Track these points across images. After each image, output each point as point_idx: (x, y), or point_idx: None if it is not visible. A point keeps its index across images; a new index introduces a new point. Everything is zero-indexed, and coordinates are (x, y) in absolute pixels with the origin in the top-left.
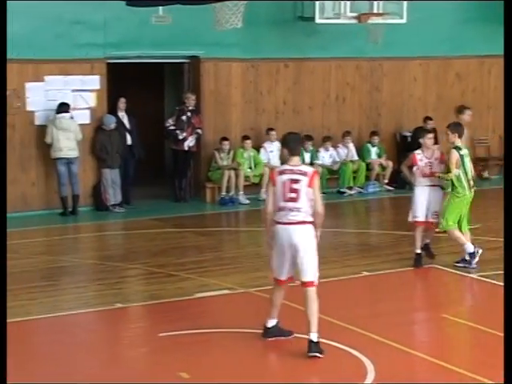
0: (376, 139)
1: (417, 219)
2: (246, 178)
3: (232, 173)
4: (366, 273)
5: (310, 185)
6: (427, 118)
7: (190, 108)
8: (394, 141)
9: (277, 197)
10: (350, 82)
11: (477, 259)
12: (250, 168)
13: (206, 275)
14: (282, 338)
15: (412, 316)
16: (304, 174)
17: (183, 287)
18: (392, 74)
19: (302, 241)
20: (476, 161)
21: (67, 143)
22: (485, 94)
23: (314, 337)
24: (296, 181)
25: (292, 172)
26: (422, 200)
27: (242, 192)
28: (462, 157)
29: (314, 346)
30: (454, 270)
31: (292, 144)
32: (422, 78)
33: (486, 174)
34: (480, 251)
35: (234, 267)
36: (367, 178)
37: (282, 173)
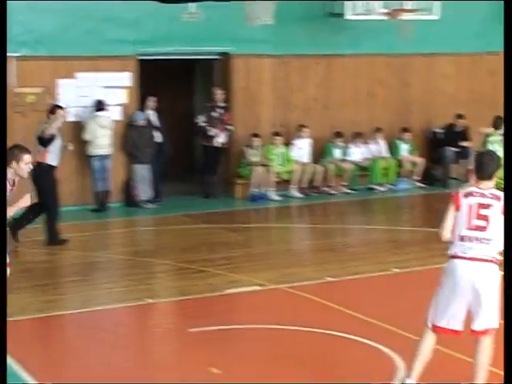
0: (407, 136)
1: None
2: (277, 174)
3: (262, 169)
4: (395, 270)
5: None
6: (458, 117)
7: (220, 104)
8: (425, 137)
9: (459, 224)
10: (380, 78)
11: None
12: (281, 165)
13: (236, 271)
14: None
15: None
16: (497, 198)
17: (213, 283)
18: (423, 71)
19: (487, 286)
20: None
21: (106, 140)
22: None
23: None
24: (487, 206)
25: (482, 195)
26: None
27: (272, 188)
28: None
29: None
30: None
31: (483, 167)
32: (452, 74)
33: None
34: None
35: (264, 263)
36: (398, 175)
37: (468, 195)
